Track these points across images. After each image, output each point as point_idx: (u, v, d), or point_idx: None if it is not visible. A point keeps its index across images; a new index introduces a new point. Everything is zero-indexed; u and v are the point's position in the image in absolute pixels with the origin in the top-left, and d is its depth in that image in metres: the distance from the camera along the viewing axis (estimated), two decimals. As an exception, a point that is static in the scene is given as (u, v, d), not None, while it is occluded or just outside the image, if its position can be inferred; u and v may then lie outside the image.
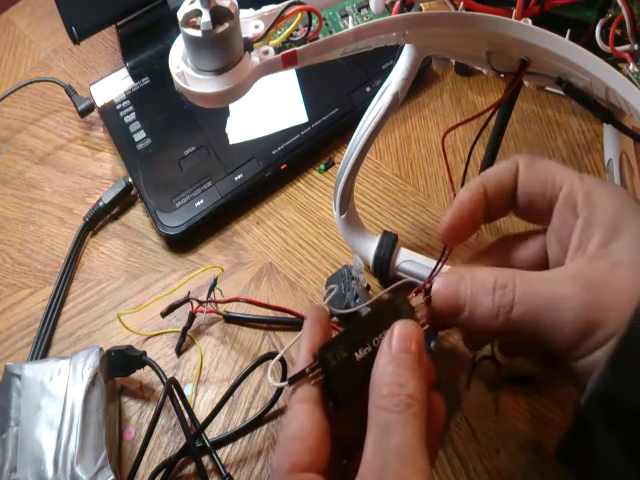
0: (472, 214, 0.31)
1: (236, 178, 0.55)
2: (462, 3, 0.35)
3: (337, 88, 0.59)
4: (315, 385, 0.28)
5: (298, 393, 0.28)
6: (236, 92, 0.31)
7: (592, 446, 0.26)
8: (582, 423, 0.26)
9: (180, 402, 0.45)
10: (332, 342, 0.28)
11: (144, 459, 0.44)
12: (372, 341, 0.28)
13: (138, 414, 0.48)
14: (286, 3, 0.31)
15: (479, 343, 0.38)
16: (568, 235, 0.29)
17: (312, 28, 0.32)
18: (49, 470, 0.40)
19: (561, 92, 0.34)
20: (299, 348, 0.29)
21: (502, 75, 0.37)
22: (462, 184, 0.43)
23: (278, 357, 0.32)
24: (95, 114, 0.62)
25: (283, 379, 0.46)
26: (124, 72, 0.63)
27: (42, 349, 0.50)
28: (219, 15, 0.29)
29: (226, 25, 0.29)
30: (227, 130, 0.58)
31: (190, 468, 0.45)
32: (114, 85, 0.62)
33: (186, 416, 0.45)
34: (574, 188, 0.29)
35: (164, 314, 0.50)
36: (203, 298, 0.49)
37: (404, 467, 0.24)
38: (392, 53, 0.41)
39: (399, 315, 0.28)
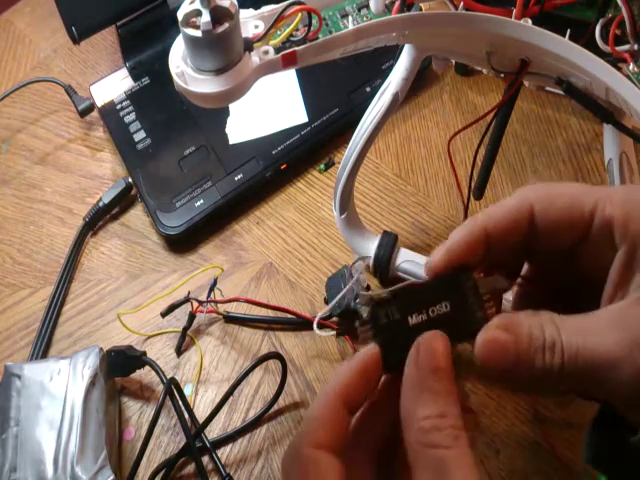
0: (466, 253, 0.28)
1: (236, 178, 0.55)
2: (462, 3, 0.35)
3: (337, 88, 0.59)
4: (363, 341, 0.27)
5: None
6: (236, 92, 0.31)
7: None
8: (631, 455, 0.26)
9: (180, 402, 0.45)
10: (386, 300, 0.27)
11: (144, 459, 0.44)
12: (429, 310, 0.26)
13: (138, 414, 0.48)
14: (286, 3, 0.31)
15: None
16: (606, 266, 0.26)
17: (312, 28, 0.32)
18: (49, 470, 0.40)
19: (561, 92, 0.34)
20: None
21: (502, 75, 0.37)
22: (468, 190, 0.44)
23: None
24: (95, 114, 0.62)
25: (283, 378, 0.46)
26: (124, 72, 0.62)
27: (42, 349, 0.50)
28: (219, 15, 0.29)
29: (226, 25, 0.29)
30: (227, 130, 0.58)
31: (190, 468, 0.45)
32: (114, 85, 0.62)
33: (186, 416, 0.45)
34: (606, 213, 0.25)
35: (164, 314, 0.50)
36: (203, 298, 0.49)
37: None
38: (392, 53, 0.41)
39: (462, 292, 0.27)
